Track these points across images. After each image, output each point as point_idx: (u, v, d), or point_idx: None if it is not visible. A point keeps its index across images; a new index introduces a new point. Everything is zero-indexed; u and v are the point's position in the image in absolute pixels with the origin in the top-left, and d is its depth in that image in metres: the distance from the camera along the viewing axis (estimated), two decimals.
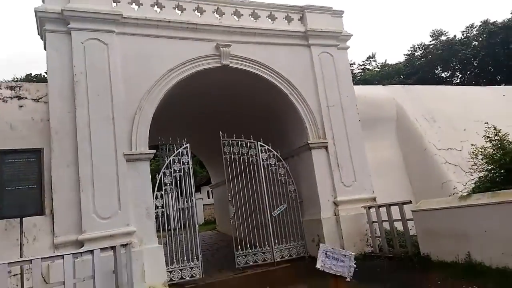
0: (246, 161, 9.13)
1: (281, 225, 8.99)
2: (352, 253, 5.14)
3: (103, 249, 5.18)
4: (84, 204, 6.69)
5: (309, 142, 9.05)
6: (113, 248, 5.31)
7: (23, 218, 5.78)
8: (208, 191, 26.16)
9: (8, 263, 4.47)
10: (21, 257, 5.60)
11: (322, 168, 9.01)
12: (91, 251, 5.00)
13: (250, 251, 8.71)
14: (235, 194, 9.12)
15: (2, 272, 4.39)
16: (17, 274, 5.83)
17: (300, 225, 9.14)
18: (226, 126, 9.51)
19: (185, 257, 7.71)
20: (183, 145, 8.34)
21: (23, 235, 5.87)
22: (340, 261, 5.08)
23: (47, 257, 4.87)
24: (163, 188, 7.91)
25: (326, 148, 9.16)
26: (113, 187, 6.95)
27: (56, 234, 6.51)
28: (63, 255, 4.78)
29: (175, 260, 7.63)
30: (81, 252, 5.09)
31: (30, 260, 4.60)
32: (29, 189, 5.78)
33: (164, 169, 8.09)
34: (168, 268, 7.32)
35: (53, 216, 6.57)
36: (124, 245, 5.57)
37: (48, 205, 6.35)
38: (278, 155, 9.31)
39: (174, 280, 7.38)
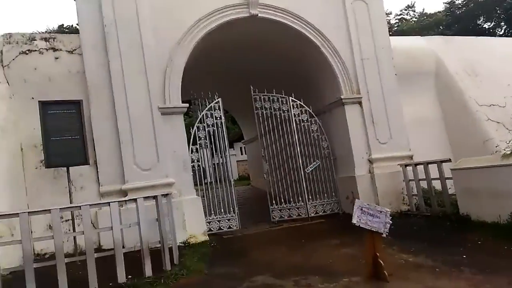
0: (278, 116, 9.03)
1: (315, 181, 8.99)
2: (388, 210, 5.09)
3: (145, 198, 5.33)
4: (125, 155, 6.87)
5: (342, 97, 8.78)
6: (155, 197, 5.45)
7: (70, 167, 6.02)
8: (241, 147, 26.34)
9: (60, 208, 4.67)
10: (71, 203, 5.89)
11: (356, 124, 8.79)
12: (135, 200, 5.16)
13: (285, 206, 8.84)
14: (268, 150, 9.13)
15: (56, 216, 4.61)
16: (68, 220, 6.16)
17: (334, 182, 9.11)
18: (257, 81, 9.34)
19: (222, 210, 7.93)
20: (215, 99, 8.30)
21: (71, 184, 6.14)
22: (376, 217, 5.02)
23: (95, 204, 5.07)
24: (198, 142, 7.98)
25: (360, 103, 8.88)
26: (151, 140, 7.06)
27: (101, 183, 6.78)
28: (109, 202, 4.95)
29: (212, 212, 7.86)
30: (125, 200, 5.29)
31: (80, 206, 4.80)
32: (72, 139, 5.96)
33: (198, 123, 8.12)
34: (207, 219, 7.57)
35: (97, 166, 6.81)
36: (165, 195, 5.70)
37: (91, 156, 6.54)
38: (310, 111, 9.13)
39: (212, 231, 7.65)
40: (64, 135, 5.91)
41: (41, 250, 6.08)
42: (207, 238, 7.13)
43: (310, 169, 9.05)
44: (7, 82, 6.72)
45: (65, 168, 6.06)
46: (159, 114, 7.18)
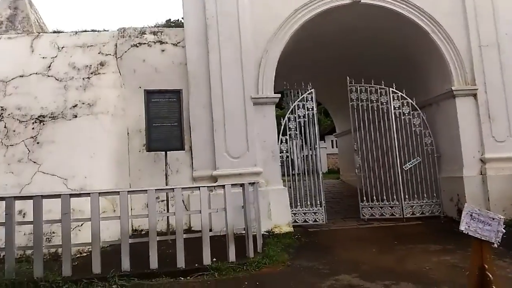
0: (375, 109, 8.46)
1: (413, 179, 8.25)
2: (502, 217, 4.36)
3: (233, 185, 5.46)
4: (217, 143, 7.15)
5: (453, 88, 7.81)
6: (242, 185, 5.56)
7: (167, 152, 6.48)
8: (332, 141, 25.75)
9: (156, 189, 5.06)
10: (166, 185, 6.36)
11: (467, 119, 7.78)
12: (223, 186, 5.32)
13: (377, 203, 8.30)
14: (361, 144, 8.64)
15: (152, 196, 5.00)
16: (163, 200, 6.67)
17: (436, 181, 8.23)
18: (353, 71, 8.86)
19: (308, 202, 7.78)
20: (308, 90, 8.11)
21: (168, 167, 6.62)
22: (487, 225, 4.33)
23: (187, 187, 5.41)
24: (288, 133, 7.92)
25: (474, 96, 7.81)
26: (241, 129, 7.22)
27: (194, 168, 7.19)
28: (199, 187, 5.19)
29: (299, 204, 7.76)
30: (214, 186, 5.52)
31: (173, 189, 5.13)
32: (171, 126, 6.40)
33: (289, 114, 8.04)
34: (292, 210, 7.50)
35: (191, 152, 7.23)
36: (252, 184, 5.78)
37: (187, 142, 6.97)
38: (413, 103, 8.35)
39: (297, 222, 7.56)
40: (164, 122, 6.39)
41: (138, 226, 6.71)
42: (291, 229, 7.06)
43: (409, 166, 8.32)
44: (119, 72, 7.48)
45: (164, 153, 6.55)
46: (251, 104, 7.29)
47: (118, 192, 4.97)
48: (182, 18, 8.22)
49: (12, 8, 9.69)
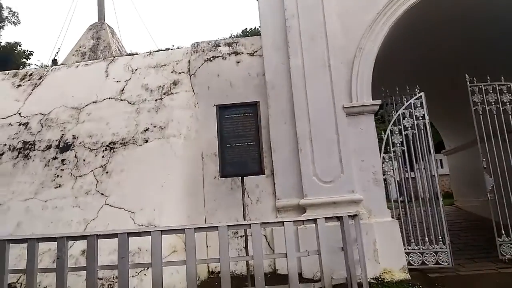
0: (510, 113, 6.45)
1: None
2: None
3: (327, 218, 4.14)
4: (304, 165, 5.90)
5: None
6: (339, 218, 4.21)
7: (245, 178, 5.40)
8: (437, 160, 22.58)
9: (228, 225, 3.97)
10: (244, 218, 5.23)
11: None
12: (314, 220, 4.03)
13: None
14: (492, 160, 6.61)
15: (224, 235, 3.92)
16: (242, 236, 5.59)
17: None
18: (470, 68, 6.96)
19: (426, 238, 6.00)
20: (416, 94, 6.47)
21: (247, 195, 5.53)
22: None
23: (266, 223, 4.17)
24: (392, 149, 6.32)
25: None
26: (333, 146, 5.87)
27: (277, 197, 6.00)
28: (283, 222, 3.97)
29: (413, 240, 6.02)
30: (303, 220, 4.18)
31: (250, 225, 3.98)
32: (248, 146, 5.31)
33: (391, 126, 6.46)
34: (405, 249, 5.79)
35: (273, 177, 6.07)
36: (352, 216, 4.38)
37: (267, 165, 5.87)
38: None
39: (413, 265, 5.80)
40: (240, 141, 5.33)
41: (215, 267, 5.64)
42: (407, 275, 5.36)
43: None
44: (193, 90, 6.76)
45: (240, 179, 5.48)
46: (344, 115, 5.93)
47: (184, 229, 3.99)
48: (259, 25, 7.30)
49: (94, 38, 9.88)
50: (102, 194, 5.66)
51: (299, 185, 5.90)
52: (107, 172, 5.88)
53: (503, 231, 6.22)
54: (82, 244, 4.49)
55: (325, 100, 6.00)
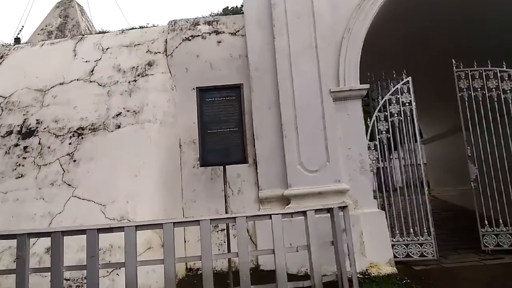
0: (496, 99, 6.34)
1: None
2: None
3: (317, 210, 3.86)
4: (289, 153, 5.58)
5: None
6: (329, 210, 3.93)
7: (226, 166, 5.04)
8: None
9: (211, 219, 3.62)
10: (226, 210, 4.91)
11: None
12: (304, 213, 3.74)
13: (504, 229, 6.11)
14: (475, 148, 6.51)
15: (206, 228, 3.57)
16: (223, 230, 5.28)
17: None
18: (456, 53, 6.78)
19: (411, 229, 5.86)
20: (402, 79, 6.25)
21: (228, 186, 5.18)
22: None
23: (253, 216, 3.83)
24: (377, 137, 6.10)
25: None
26: (319, 133, 5.58)
27: (260, 187, 5.67)
28: (270, 215, 3.66)
29: (397, 232, 5.87)
30: (292, 213, 3.87)
31: (234, 218, 3.64)
32: (230, 132, 4.96)
33: (377, 112, 6.24)
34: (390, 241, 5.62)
35: (256, 166, 5.73)
36: (342, 208, 4.12)
37: (250, 154, 5.51)
38: None
39: (398, 257, 5.64)
40: (222, 127, 4.97)
41: (193, 264, 5.30)
42: (394, 269, 5.18)
43: None
44: (170, 72, 6.27)
45: (222, 168, 5.12)
46: (331, 99, 5.63)
47: (161, 224, 3.61)
48: (242, 4, 6.84)
49: (62, 16, 9.14)
50: (69, 185, 5.16)
51: (283, 174, 5.60)
52: (74, 161, 5.37)
53: (486, 221, 6.17)
54: (47, 241, 4.04)
55: (312, 83, 5.67)
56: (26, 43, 7.73)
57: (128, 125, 5.63)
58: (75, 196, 5.04)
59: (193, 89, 5.99)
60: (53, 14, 9.22)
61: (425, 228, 5.84)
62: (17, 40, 8.46)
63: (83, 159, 5.37)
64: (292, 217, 3.72)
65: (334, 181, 5.47)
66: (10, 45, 7.44)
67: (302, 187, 5.46)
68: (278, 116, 5.71)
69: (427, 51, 7.86)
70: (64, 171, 5.22)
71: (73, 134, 5.66)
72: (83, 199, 5.01)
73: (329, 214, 3.95)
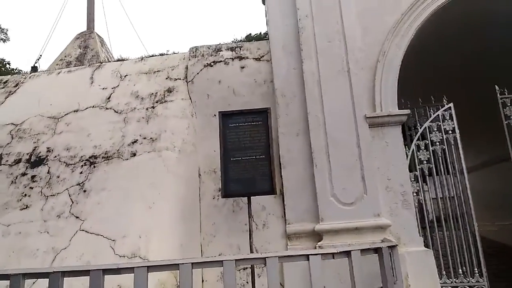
0: None
1: None
2: None
3: (363, 250, 3.22)
4: (320, 184, 5.00)
5: None
6: (377, 250, 3.30)
7: (251, 198, 4.49)
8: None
9: (236, 260, 3.02)
10: (250, 247, 4.29)
11: None
12: (347, 253, 3.11)
13: None
14: None
15: (230, 269, 2.97)
16: (246, 268, 4.63)
17: None
18: (498, 78, 6.25)
19: (459, 270, 5.10)
20: (443, 105, 5.73)
21: (252, 219, 4.59)
22: None
23: (287, 256, 3.21)
24: (417, 167, 5.49)
25: None
26: (354, 162, 5.01)
27: (288, 221, 5.05)
28: (308, 255, 3.04)
29: (444, 272, 5.12)
30: (333, 253, 3.24)
31: (264, 259, 3.04)
32: (256, 160, 4.45)
33: (416, 140, 5.67)
34: None
35: (283, 197, 5.15)
36: (391, 247, 3.47)
37: (277, 184, 4.95)
38: None
39: None
40: (247, 154, 4.46)
41: None
42: None
43: None
44: (190, 99, 5.91)
45: (246, 199, 4.57)
46: (366, 125, 5.11)
47: (178, 264, 3.03)
48: (266, 31, 6.58)
49: (82, 47, 9.08)
50: (77, 217, 4.67)
51: (314, 207, 5.00)
52: (84, 191, 4.91)
53: None
54: (47, 282, 3.49)
55: (344, 109, 5.19)
56: (42, 71, 7.58)
57: (144, 153, 5.19)
58: (82, 230, 4.53)
59: (215, 115, 5.64)
60: (72, 45, 9.20)
61: (475, 268, 5.07)
62: (34, 69, 8.37)
63: (94, 190, 4.90)
64: (333, 257, 3.10)
65: (372, 215, 4.83)
66: (26, 73, 7.29)
67: (336, 221, 4.83)
68: (307, 144, 5.20)
69: (466, 77, 7.33)
70: (72, 202, 4.75)
71: (84, 163, 5.24)
72: (91, 233, 4.49)
73: (376, 255, 3.30)
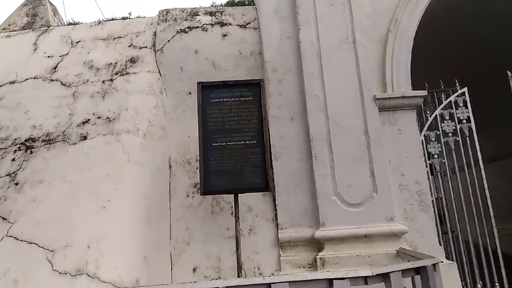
0: None
1: None
2: None
3: (404, 271, 2.31)
4: (320, 179, 4.06)
5: None
6: (419, 270, 2.40)
7: (239, 195, 3.48)
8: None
9: (228, 287, 2.01)
10: (238, 261, 3.29)
11: None
12: (384, 276, 2.19)
13: None
14: None
15: None
16: None
17: None
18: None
19: (479, 279, 4.36)
20: (456, 90, 4.95)
21: (238, 223, 3.58)
22: None
23: (301, 281, 2.21)
24: (427, 162, 4.68)
25: None
26: (361, 153, 4.11)
27: (280, 225, 4.07)
28: (331, 280, 2.09)
29: (462, 283, 4.35)
30: (365, 277, 2.27)
31: (270, 285, 2.05)
32: (245, 146, 3.45)
33: (426, 130, 4.86)
34: None
35: (274, 195, 4.17)
36: (434, 265, 2.59)
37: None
38: None
39: None
40: (233, 139, 3.45)
41: None
42: None
43: None
44: (159, 72, 4.79)
45: (232, 197, 3.56)
46: (376, 109, 4.21)
47: None
48: None
49: (30, 15, 7.61)
50: (4, 218, 3.48)
51: (313, 208, 4.05)
52: (16, 184, 3.70)
53: None
54: None
55: (350, 88, 4.26)
56: None
57: (98, 136, 4.04)
58: (10, 236, 3.35)
59: (190, 93, 4.59)
60: (19, 12, 7.70)
61: (494, 278, 4.35)
62: None
63: (29, 182, 3.71)
64: (366, 283, 2.16)
65: (385, 219, 3.94)
66: None
67: (341, 226, 3.91)
68: (305, 130, 4.24)
69: (482, 61, 6.54)
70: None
71: (19, 147, 4.02)
72: (22, 240, 3.33)
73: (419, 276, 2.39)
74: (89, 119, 4.20)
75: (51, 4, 8.32)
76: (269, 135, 3.48)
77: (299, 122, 4.29)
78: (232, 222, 3.77)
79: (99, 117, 4.21)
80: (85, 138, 4.03)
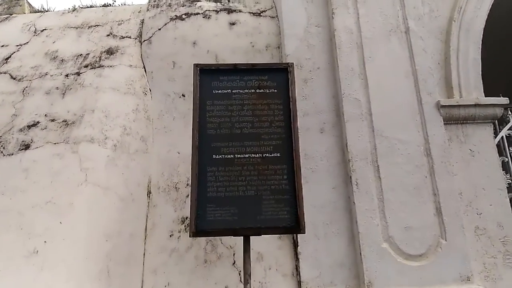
0: None
1: None
2: None
3: None
4: (363, 217, 2.80)
5: None
6: None
7: (251, 237, 2.20)
8: None
9: None
10: None
11: None
12: None
13: None
14: None
15: None
16: None
17: None
18: None
19: None
20: None
21: (238, 276, 2.28)
22: None
23: None
24: (507, 180, 3.45)
25: None
26: (421, 182, 2.89)
27: (304, 283, 2.75)
28: None
29: None
30: None
31: None
32: (264, 161, 2.22)
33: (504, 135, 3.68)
34: None
35: (294, 239, 2.89)
36: None
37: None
38: None
39: None
40: (246, 148, 2.23)
41: None
42: None
43: None
44: (144, 67, 3.63)
45: (234, 239, 2.29)
46: (440, 120, 3.04)
47: None
48: None
49: (3, 15, 6.61)
50: None
51: (353, 259, 2.78)
52: None
53: None
54: None
55: (402, 90, 3.12)
56: None
57: (47, 144, 2.81)
58: None
59: (183, 95, 3.45)
60: None
61: None
62: None
63: None
64: None
65: (459, 279, 2.67)
66: None
67: (397, 287, 2.62)
68: (340, 146, 3.05)
69: None
70: None
71: None
72: None
73: None
74: (38, 122, 2.98)
75: (29, 5, 7.29)
76: (298, 144, 2.27)
77: (332, 136, 3.10)
78: (234, 276, 2.51)
79: (52, 120, 2.99)
80: (27, 147, 2.79)
